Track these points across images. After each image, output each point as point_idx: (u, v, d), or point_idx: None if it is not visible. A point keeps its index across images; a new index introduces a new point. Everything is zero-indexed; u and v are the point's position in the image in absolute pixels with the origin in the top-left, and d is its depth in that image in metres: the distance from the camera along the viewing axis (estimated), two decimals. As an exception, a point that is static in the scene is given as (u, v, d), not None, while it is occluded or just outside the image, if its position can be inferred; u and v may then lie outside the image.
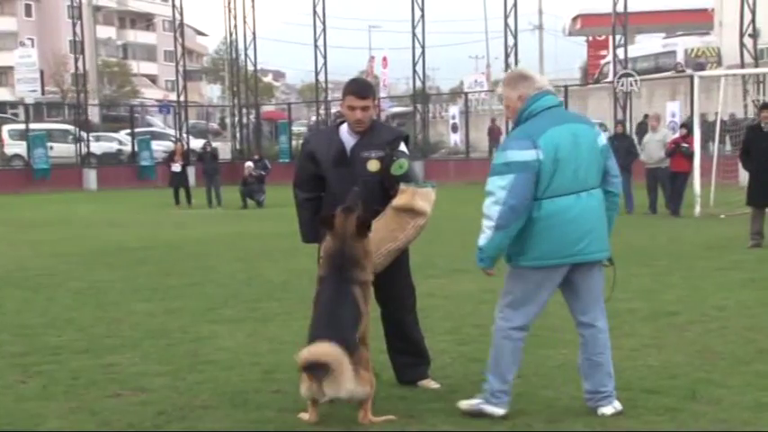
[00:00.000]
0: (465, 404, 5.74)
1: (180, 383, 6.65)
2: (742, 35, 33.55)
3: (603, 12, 43.24)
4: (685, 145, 20.39)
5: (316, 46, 42.63)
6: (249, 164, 28.82)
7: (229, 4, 46.05)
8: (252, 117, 47.30)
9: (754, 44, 33.69)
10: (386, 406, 5.82)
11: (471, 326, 8.38)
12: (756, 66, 33.18)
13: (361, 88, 6.32)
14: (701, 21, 55.22)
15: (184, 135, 42.63)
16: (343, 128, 6.38)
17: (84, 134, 41.11)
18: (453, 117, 41.51)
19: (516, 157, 5.40)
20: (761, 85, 32.68)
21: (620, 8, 34.51)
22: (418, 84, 40.82)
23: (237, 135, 47.21)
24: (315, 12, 42.22)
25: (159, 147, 42.64)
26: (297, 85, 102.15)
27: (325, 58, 42.55)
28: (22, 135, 39.65)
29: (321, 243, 6.10)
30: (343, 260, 5.68)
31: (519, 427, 5.48)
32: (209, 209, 27.36)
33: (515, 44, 37.44)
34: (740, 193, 16.95)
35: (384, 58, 51.18)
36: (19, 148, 40.18)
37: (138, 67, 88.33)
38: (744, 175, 16.73)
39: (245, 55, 46.19)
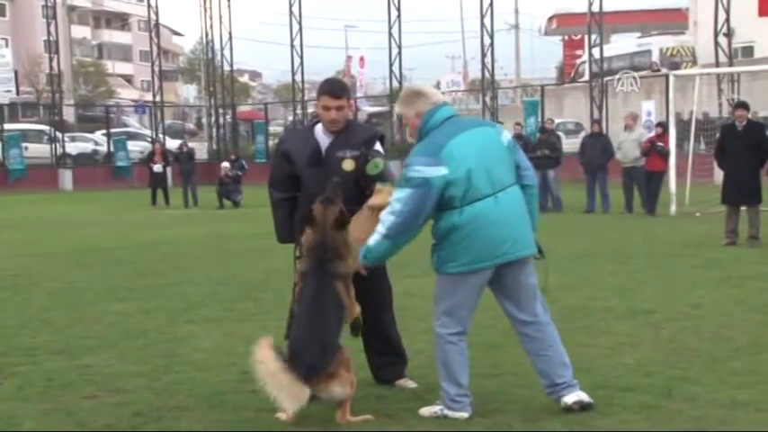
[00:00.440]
0: (426, 411, 5.71)
1: (156, 384, 6.62)
2: (716, 34, 33.78)
3: (579, 11, 43.38)
4: (661, 144, 20.47)
5: (292, 46, 42.63)
6: (225, 164, 28.76)
7: (205, 3, 46.01)
8: (228, 117, 47.24)
9: (729, 43, 33.91)
10: (363, 405, 5.81)
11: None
12: (731, 65, 33.38)
13: (335, 88, 6.32)
14: (675, 20, 55.31)
15: (161, 135, 42.49)
16: (319, 127, 6.38)
17: (59, 134, 40.95)
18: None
19: (417, 174, 5.46)
20: (735, 83, 32.88)
21: (595, 8, 34.63)
22: (395, 83, 40.85)
23: (214, 135, 47.10)
24: (291, 11, 42.24)
25: (135, 147, 42.52)
26: (273, 85, 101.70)
27: (301, 57, 42.52)
28: (-3, 136, 39.38)
29: (298, 243, 6.09)
30: (325, 251, 5.68)
31: (499, 427, 5.49)
32: (185, 209, 27.29)
33: (492, 44, 37.61)
34: (715, 191, 17.05)
35: (361, 58, 51.22)
36: (-7, 148, 39.88)
37: (114, 67, 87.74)
38: (719, 174, 16.81)
39: (222, 55, 46.23)
